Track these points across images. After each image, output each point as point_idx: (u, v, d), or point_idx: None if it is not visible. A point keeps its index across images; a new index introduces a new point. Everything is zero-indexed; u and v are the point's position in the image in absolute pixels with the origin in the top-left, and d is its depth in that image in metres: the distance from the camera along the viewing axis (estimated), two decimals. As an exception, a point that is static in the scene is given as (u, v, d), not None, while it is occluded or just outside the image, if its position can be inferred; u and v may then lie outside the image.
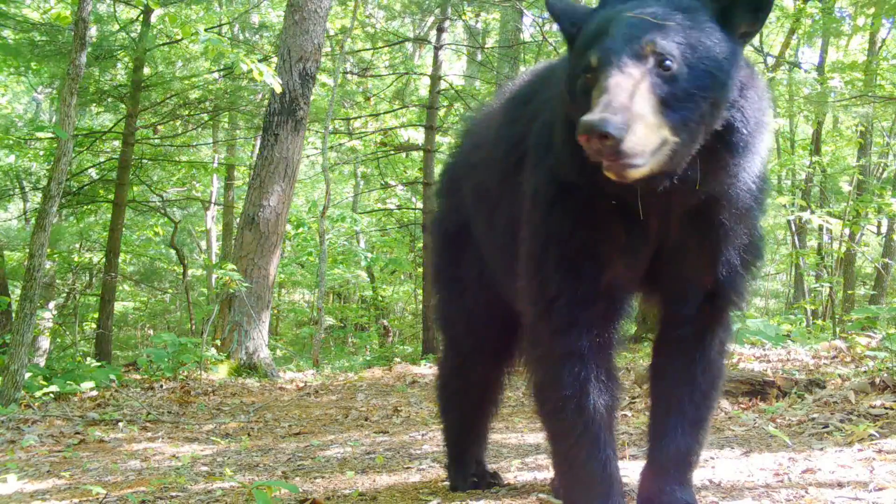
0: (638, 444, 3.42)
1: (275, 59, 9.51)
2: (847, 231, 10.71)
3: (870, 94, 9.41)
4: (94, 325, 12.92)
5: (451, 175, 2.80)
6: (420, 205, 15.42)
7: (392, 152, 15.13)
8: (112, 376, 7.05)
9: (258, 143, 10.26)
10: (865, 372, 4.76)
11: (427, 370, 8.26)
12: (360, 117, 14.94)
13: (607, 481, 1.95)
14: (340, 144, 15.40)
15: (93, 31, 9.85)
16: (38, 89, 14.22)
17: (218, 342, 8.05)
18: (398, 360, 11.05)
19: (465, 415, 2.81)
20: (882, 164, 14.05)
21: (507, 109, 2.41)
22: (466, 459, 2.79)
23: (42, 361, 10.46)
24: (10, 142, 11.61)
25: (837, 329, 9.27)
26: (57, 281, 13.44)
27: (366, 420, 5.28)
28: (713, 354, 2.09)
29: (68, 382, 6.55)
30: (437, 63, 13.45)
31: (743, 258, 2.00)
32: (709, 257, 1.97)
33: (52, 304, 12.97)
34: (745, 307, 2.13)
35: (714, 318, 2.06)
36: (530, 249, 2.02)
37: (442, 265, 2.80)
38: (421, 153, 14.21)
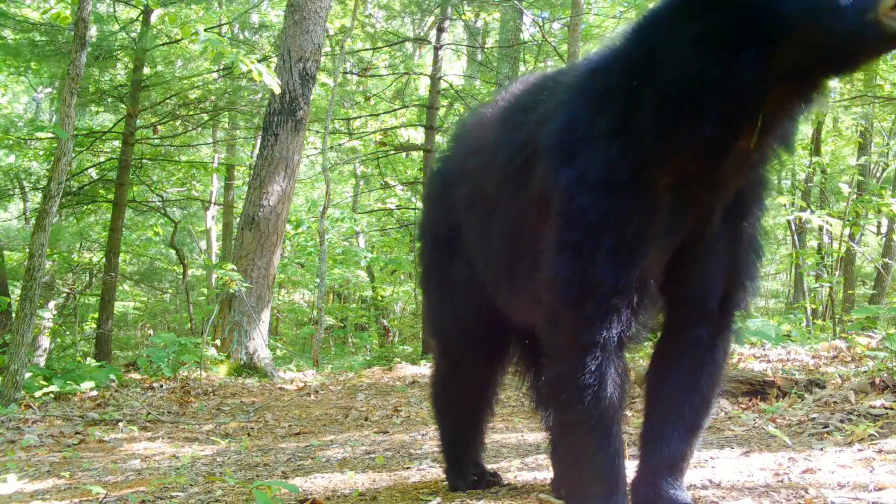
0: (638, 443, 3.41)
1: (275, 59, 9.51)
2: (847, 231, 10.71)
3: (870, 94, 9.41)
4: (94, 325, 12.92)
5: (443, 180, 2.80)
6: (420, 204, 15.42)
7: (392, 152, 15.14)
8: (112, 376, 7.04)
9: (258, 142, 10.26)
10: (865, 372, 4.76)
11: (427, 370, 8.25)
12: (360, 117, 14.95)
13: (615, 475, 1.95)
14: (340, 144, 15.40)
15: (93, 31, 9.84)
16: (38, 89, 14.22)
17: (218, 342, 8.05)
18: (398, 360, 11.03)
19: (461, 418, 2.81)
20: (882, 164, 14.05)
21: (507, 117, 2.41)
22: (464, 462, 2.79)
23: (42, 361, 10.46)
24: (10, 142, 11.61)
25: (837, 329, 9.26)
26: (57, 281, 13.43)
27: (366, 420, 5.28)
28: (719, 358, 2.08)
29: (68, 382, 6.54)
30: (436, 63, 13.45)
31: (756, 256, 2.03)
32: (732, 254, 1.98)
33: (52, 304, 12.97)
34: (749, 309, 2.12)
35: (724, 320, 2.05)
36: (566, 238, 1.92)
37: (432, 269, 2.79)
38: (421, 153, 14.21)
